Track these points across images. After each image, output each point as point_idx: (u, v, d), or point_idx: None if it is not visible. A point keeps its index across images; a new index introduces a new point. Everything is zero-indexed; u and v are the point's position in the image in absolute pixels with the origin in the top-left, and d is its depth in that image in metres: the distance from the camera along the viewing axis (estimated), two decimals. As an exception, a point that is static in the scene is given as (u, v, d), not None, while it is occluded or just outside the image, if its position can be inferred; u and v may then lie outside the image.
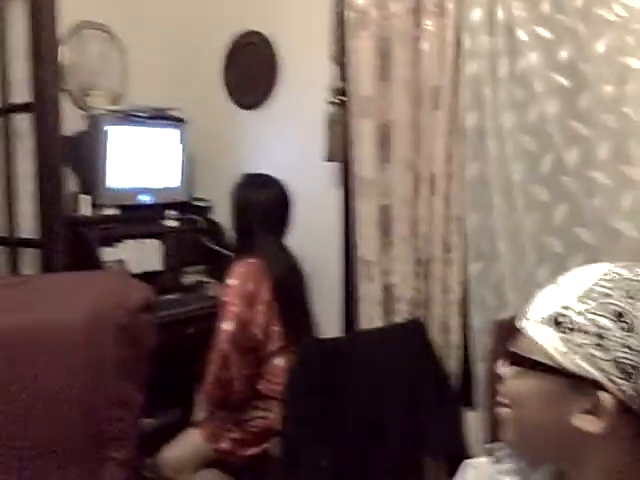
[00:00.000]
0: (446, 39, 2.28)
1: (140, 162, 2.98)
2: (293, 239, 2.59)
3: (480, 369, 2.33)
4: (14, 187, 2.54)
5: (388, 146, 2.49)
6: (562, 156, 2.06)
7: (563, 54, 2.03)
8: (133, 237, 2.94)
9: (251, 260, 2.40)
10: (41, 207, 2.36)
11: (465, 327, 2.42)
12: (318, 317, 2.66)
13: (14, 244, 2.57)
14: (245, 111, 3.15)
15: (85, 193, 2.83)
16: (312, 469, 2.09)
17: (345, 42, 2.50)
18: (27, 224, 2.50)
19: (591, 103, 2.01)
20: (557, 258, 2.15)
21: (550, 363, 0.76)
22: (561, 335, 0.76)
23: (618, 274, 0.77)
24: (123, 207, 2.94)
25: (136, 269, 2.90)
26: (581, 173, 2.05)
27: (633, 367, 0.72)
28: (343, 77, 2.57)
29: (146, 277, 2.93)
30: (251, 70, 3.09)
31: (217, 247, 3.13)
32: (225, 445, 2.33)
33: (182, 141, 3.10)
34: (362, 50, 2.44)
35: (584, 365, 0.74)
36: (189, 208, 3.19)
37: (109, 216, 2.89)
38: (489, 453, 0.91)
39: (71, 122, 2.86)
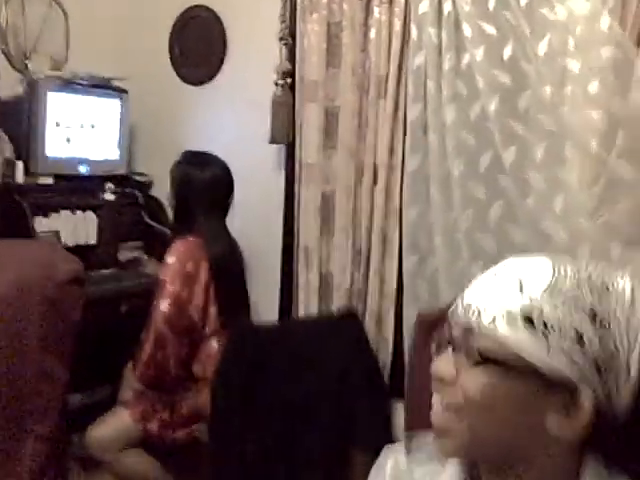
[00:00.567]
0: (394, 29, 2.27)
1: (80, 132, 2.90)
2: (234, 221, 2.56)
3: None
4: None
5: (333, 133, 2.49)
6: (500, 154, 2.08)
7: (507, 52, 2.04)
8: (69, 208, 2.85)
9: (191, 239, 2.37)
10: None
11: (400, 319, 2.44)
12: (255, 301, 2.64)
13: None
14: (190, 87, 3.08)
15: (20, 160, 2.74)
16: (238, 454, 2.09)
17: (295, 24, 2.47)
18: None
19: (530, 103, 2.03)
20: (490, 256, 2.17)
21: (523, 364, 0.72)
22: (535, 334, 0.71)
23: (566, 269, 0.75)
24: (60, 177, 2.85)
25: (70, 241, 2.83)
26: (517, 173, 2.07)
27: (606, 368, 0.71)
28: (291, 59, 2.54)
29: (80, 250, 2.87)
30: (198, 45, 3.02)
31: (155, 224, 3.07)
32: (153, 426, 2.30)
33: (123, 113, 3.01)
34: (311, 33, 2.42)
35: (564, 366, 0.70)
36: (128, 182, 3.11)
37: (44, 185, 2.80)
38: (407, 442, 0.91)
39: (8, 85, 2.77)
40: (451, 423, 0.77)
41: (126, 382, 2.45)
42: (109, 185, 3.01)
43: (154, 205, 3.13)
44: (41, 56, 2.92)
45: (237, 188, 2.53)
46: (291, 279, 2.69)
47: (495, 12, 2.04)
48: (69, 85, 2.82)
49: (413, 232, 2.34)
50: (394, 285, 2.46)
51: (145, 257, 3.11)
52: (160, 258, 2.44)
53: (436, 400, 0.79)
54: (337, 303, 2.54)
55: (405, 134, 2.32)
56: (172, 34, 3.12)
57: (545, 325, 0.71)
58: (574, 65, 1.95)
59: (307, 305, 2.61)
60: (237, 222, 2.57)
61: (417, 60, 2.22)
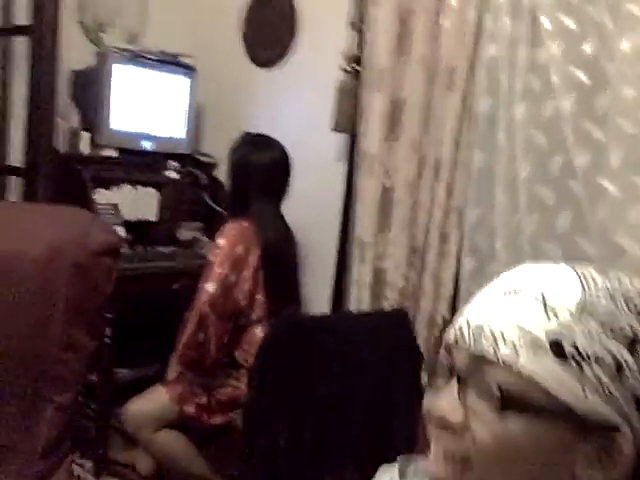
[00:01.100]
0: (467, 18, 2.15)
1: (146, 107, 2.90)
2: (290, 208, 2.51)
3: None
4: (9, 113, 2.47)
5: (397, 124, 2.38)
6: (572, 158, 1.93)
7: (586, 48, 1.89)
8: (130, 183, 2.86)
9: (244, 223, 2.33)
10: (28, 135, 2.28)
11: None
12: (308, 293, 2.58)
13: (1, 171, 2.51)
14: (259, 69, 3.03)
15: (86, 130, 2.76)
16: (270, 446, 2.04)
17: (365, 8, 2.37)
18: (17, 152, 2.44)
19: (609, 104, 1.87)
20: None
21: (553, 404, 0.59)
22: (567, 365, 0.58)
23: (595, 280, 0.62)
24: (124, 150, 2.86)
25: (130, 216, 2.84)
26: (590, 179, 1.92)
27: None
28: (360, 45, 2.44)
29: (140, 226, 2.90)
30: (270, 27, 2.96)
31: (217, 206, 3.05)
32: (190, 408, 2.27)
33: (191, 91, 3.00)
34: (381, 18, 2.31)
35: (601, 404, 0.58)
36: (192, 162, 3.10)
37: (108, 157, 2.82)
38: (403, 465, 0.79)
39: (82, 56, 2.80)
40: (456, 475, 0.62)
41: (172, 362, 2.43)
42: (173, 163, 3.01)
43: (216, 187, 3.10)
44: (117, 30, 2.94)
45: (296, 175, 2.47)
46: (345, 273, 2.61)
47: (577, 5, 1.90)
48: (138, 59, 2.82)
49: (473, 233, 2.22)
50: (450, 288, 2.34)
51: (205, 238, 3.09)
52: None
53: (436, 447, 0.64)
54: (390, 301, 2.44)
55: (472, 129, 2.19)
56: (245, 15, 3.07)
57: (579, 354, 0.59)
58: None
59: (359, 300, 2.52)
60: (293, 210, 2.51)
61: (490, 51, 2.10)
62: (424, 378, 0.72)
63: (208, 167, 3.12)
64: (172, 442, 2.31)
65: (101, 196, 2.73)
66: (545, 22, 1.94)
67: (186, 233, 3.10)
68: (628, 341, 0.59)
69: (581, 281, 0.62)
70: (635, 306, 0.61)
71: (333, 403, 2.07)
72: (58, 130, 2.70)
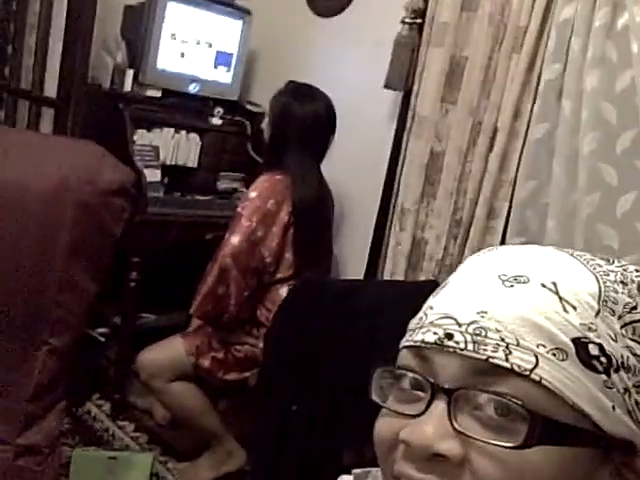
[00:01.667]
0: (543, -26, 1.93)
1: (195, 48, 2.78)
2: (333, 167, 2.37)
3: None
4: (50, 43, 2.39)
5: (455, 85, 2.20)
6: (644, 136, 1.73)
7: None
8: (172, 126, 2.77)
9: (278, 176, 2.20)
10: (62, 67, 2.22)
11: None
12: (342, 256, 2.45)
13: (34, 100, 2.44)
14: (318, 18, 2.85)
15: (132, 68, 2.67)
16: (282, 411, 1.94)
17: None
18: (53, 83, 2.36)
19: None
20: (610, 254, 1.84)
21: (580, 421, 0.46)
22: (594, 373, 0.47)
23: (606, 271, 0.50)
24: (168, 92, 2.75)
25: (169, 160, 2.77)
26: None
27: None
28: (425, -3, 2.26)
29: (179, 171, 2.81)
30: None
31: (260, 158, 2.93)
32: (205, 362, 2.20)
33: (244, 35, 2.86)
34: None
35: (627, 419, 0.47)
36: (239, 110, 2.97)
37: (151, 97, 2.72)
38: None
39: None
40: None
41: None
42: (218, 109, 2.89)
43: (261, 138, 2.97)
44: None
45: (340, 131, 2.32)
46: (383, 239, 2.46)
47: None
48: (192, -2, 2.70)
49: (524, 210, 2.04)
50: (492, 267, 2.17)
51: (245, 190, 2.99)
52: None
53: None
54: (426, 273, 2.30)
55: (536, 98, 2.00)
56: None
57: (606, 357, 0.47)
58: None
59: (394, 269, 2.38)
60: (333, 168, 2.38)
61: (565, 12, 1.88)
62: (391, 398, 0.57)
63: (255, 116, 2.99)
64: (185, 394, 2.25)
65: (141, 137, 2.65)
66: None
67: (225, 183, 3.01)
68: None
69: (593, 273, 0.50)
70: None
71: (350, 373, 1.95)
72: (104, 66, 2.62)
